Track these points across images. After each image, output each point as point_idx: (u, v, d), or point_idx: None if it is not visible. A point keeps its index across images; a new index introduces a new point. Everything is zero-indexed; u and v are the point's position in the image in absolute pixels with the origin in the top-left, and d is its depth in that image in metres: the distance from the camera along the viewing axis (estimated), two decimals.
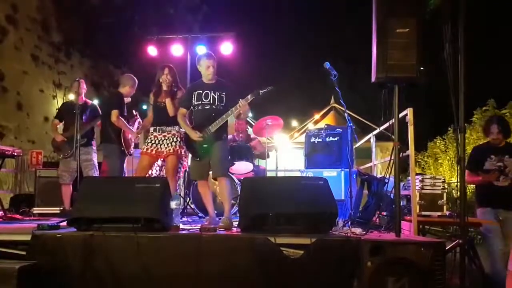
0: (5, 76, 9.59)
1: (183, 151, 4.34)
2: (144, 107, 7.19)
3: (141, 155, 4.34)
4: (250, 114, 4.22)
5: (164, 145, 4.28)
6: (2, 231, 3.41)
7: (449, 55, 3.18)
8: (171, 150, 4.24)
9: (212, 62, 4.09)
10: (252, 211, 3.40)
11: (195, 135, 3.98)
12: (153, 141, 4.31)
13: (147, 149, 4.28)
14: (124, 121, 4.78)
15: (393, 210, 3.48)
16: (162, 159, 4.47)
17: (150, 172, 4.55)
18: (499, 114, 9.90)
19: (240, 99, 3.93)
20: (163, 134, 4.31)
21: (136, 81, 5.02)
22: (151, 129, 4.39)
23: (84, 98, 5.17)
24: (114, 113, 4.69)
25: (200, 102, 4.05)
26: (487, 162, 4.10)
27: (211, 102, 4.03)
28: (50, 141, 5.18)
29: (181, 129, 4.31)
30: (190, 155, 4.30)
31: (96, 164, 5.11)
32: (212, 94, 4.04)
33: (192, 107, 4.13)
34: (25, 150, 7.22)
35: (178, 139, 4.30)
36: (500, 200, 4.02)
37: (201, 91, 4.07)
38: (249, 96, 3.96)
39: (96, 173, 5.07)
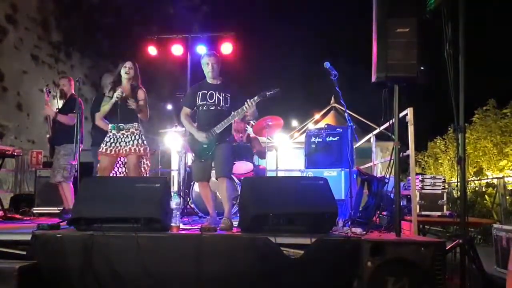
0: (5, 76, 9.58)
1: (142, 149, 4.19)
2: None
3: (100, 155, 4.19)
4: (256, 114, 4.17)
5: (123, 143, 4.14)
6: (2, 231, 3.41)
7: (449, 55, 3.18)
8: (130, 150, 4.12)
9: (212, 59, 4.03)
10: (252, 211, 3.39)
11: (201, 136, 3.95)
12: (111, 140, 4.16)
13: (106, 149, 4.13)
14: (107, 122, 4.70)
15: (393, 210, 3.48)
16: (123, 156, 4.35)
17: (114, 171, 4.48)
18: (500, 113, 9.92)
19: (248, 100, 3.88)
20: (121, 132, 4.17)
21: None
22: (110, 127, 4.23)
23: (68, 94, 5.12)
24: (96, 115, 4.67)
25: (204, 102, 4.01)
26: None
27: (216, 102, 3.99)
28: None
29: (140, 126, 4.23)
30: (192, 155, 4.27)
31: (67, 166, 4.80)
32: (217, 94, 4.00)
33: (196, 107, 4.10)
34: (25, 150, 7.22)
35: (137, 136, 4.18)
36: None
37: (205, 91, 4.03)
38: (256, 98, 3.91)
39: (59, 176, 4.79)
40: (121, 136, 4.18)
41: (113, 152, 4.15)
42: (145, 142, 4.24)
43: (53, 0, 11.18)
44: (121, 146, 4.16)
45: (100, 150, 4.17)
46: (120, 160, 4.60)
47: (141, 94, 4.27)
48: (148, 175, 4.49)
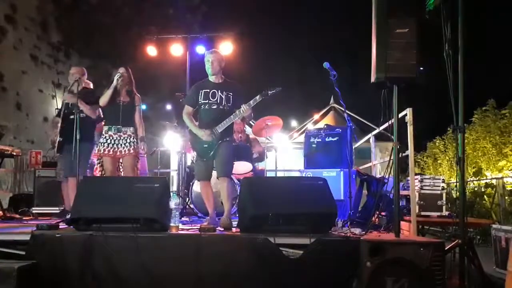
0: (4, 76, 9.58)
1: (137, 150, 4.33)
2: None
3: (103, 157, 4.32)
4: (252, 116, 4.21)
5: (121, 145, 4.26)
6: (2, 231, 3.41)
7: (449, 55, 3.18)
8: (127, 151, 4.25)
9: (212, 57, 4.03)
10: (251, 211, 3.39)
11: (204, 134, 3.94)
12: (108, 141, 4.27)
13: (104, 149, 4.24)
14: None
15: (392, 210, 3.48)
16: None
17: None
18: (499, 114, 9.93)
19: (243, 105, 3.92)
20: (118, 134, 4.27)
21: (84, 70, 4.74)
22: (105, 128, 4.33)
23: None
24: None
25: (207, 101, 4.00)
26: None
27: (218, 101, 3.99)
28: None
29: (135, 130, 4.31)
30: (193, 155, 4.27)
31: (95, 161, 4.99)
32: (219, 93, 3.99)
33: (198, 106, 4.08)
34: (24, 150, 7.22)
35: (133, 139, 4.30)
36: None
37: (208, 90, 4.02)
38: (257, 97, 3.95)
39: (91, 171, 4.98)
40: (118, 138, 4.27)
41: (111, 153, 4.25)
42: (138, 144, 4.35)
43: (53, 0, 11.17)
44: (118, 148, 4.26)
45: (99, 151, 4.27)
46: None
47: (137, 100, 4.42)
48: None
